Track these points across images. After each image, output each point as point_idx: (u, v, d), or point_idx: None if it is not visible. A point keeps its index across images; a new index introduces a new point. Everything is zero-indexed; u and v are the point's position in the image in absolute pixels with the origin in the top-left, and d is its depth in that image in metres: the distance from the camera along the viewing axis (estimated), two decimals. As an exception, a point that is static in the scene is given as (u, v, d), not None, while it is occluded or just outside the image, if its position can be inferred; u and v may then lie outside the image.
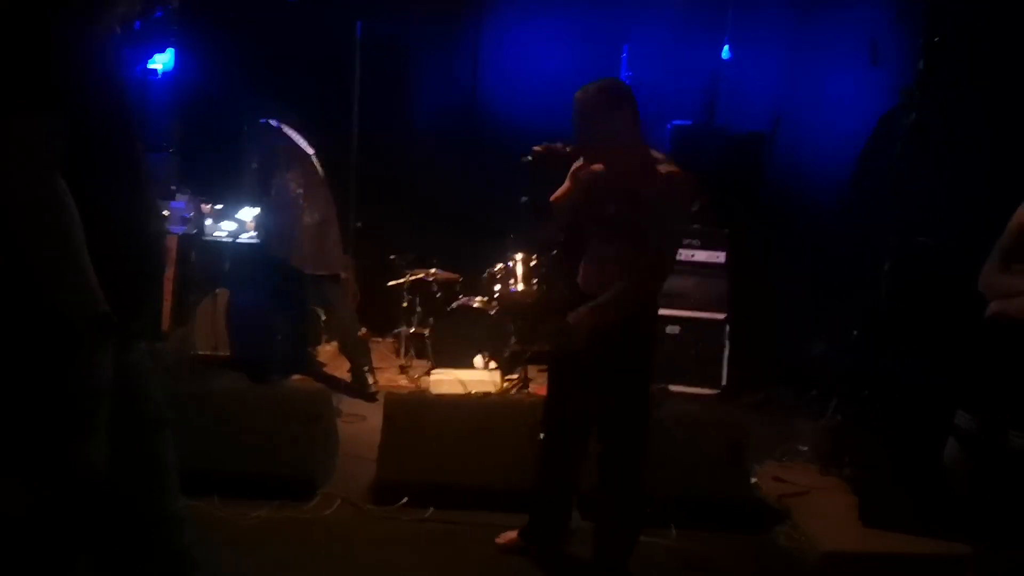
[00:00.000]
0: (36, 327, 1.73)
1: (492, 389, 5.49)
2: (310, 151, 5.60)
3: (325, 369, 6.10)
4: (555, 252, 6.57)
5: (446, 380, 5.47)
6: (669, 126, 6.80)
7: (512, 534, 3.56)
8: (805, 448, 4.87)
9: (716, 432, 4.15)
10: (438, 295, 6.45)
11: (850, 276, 5.83)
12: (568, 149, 3.30)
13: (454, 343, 5.88)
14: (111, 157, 1.86)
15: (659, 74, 7.06)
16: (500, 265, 6.16)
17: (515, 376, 5.97)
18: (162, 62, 5.67)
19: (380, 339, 7.03)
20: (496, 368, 5.72)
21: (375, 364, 5.89)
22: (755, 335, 6.35)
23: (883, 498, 3.96)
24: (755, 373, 6.25)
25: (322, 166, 5.63)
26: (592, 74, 7.55)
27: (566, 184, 3.41)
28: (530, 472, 3.60)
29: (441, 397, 5.11)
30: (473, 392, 5.32)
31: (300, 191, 5.49)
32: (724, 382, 6.22)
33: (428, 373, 5.83)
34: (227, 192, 6.01)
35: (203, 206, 5.90)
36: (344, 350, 5.93)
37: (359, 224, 6.67)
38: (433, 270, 6.52)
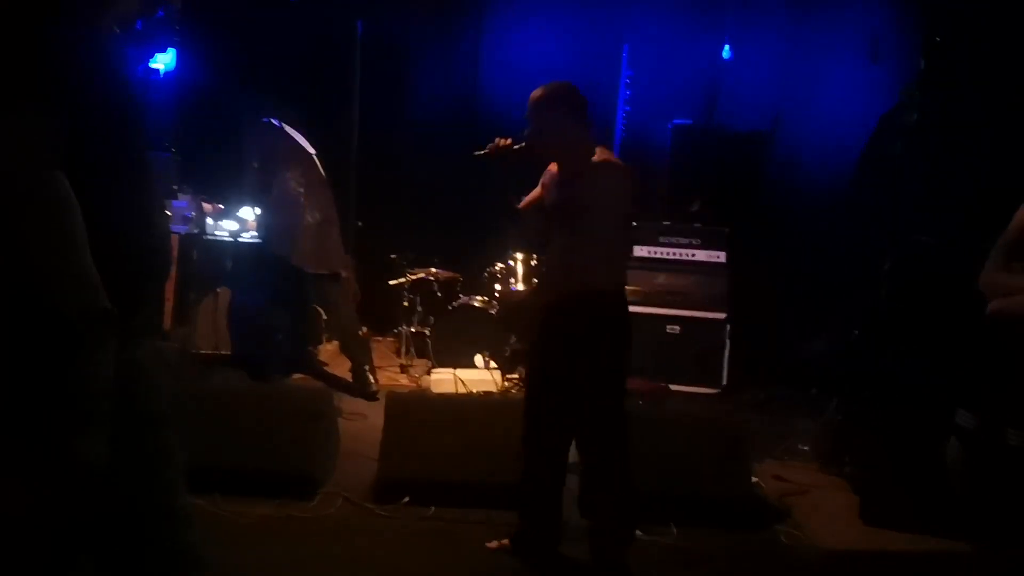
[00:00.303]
0: (36, 324, 1.73)
1: (493, 388, 5.49)
2: (311, 150, 5.61)
3: (326, 368, 6.11)
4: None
5: (447, 379, 5.48)
6: (670, 125, 6.82)
7: (504, 542, 3.56)
8: (805, 447, 4.88)
9: (717, 431, 4.15)
10: (439, 294, 6.46)
11: (850, 275, 5.84)
12: (516, 146, 3.39)
13: (455, 342, 5.89)
14: (116, 156, 1.86)
15: (659, 73, 7.07)
16: (500, 264, 6.17)
17: (515, 375, 5.98)
18: (164, 62, 5.67)
19: (381, 338, 7.04)
20: (496, 367, 5.73)
21: (376, 363, 5.90)
22: (755, 334, 6.36)
23: (883, 497, 3.97)
24: (755, 372, 6.27)
25: (323, 165, 5.64)
26: (593, 74, 7.61)
27: (536, 189, 3.48)
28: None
29: (442, 396, 5.11)
30: (474, 391, 5.32)
31: (301, 190, 5.49)
32: (725, 381, 6.23)
33: (429, 372, 5.84)
34: (228, 191, 6.01)
35: (205, 205, 5.90)
36: (345, 349, 5.94)
37: (360, 223, 6.68)
38: (434, 269, 6.53)
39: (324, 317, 6.26)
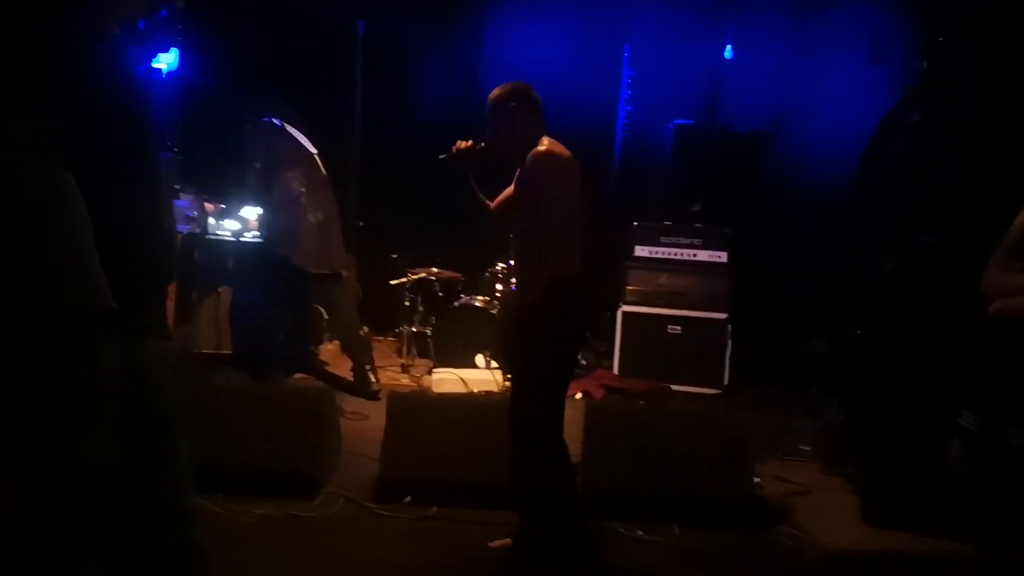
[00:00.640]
0: (37, 323, 1.73)
1: (494, 388, 5.49)
2: (312, 150, 5.61)
3: (327, 368, 6.11)
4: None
5: (448, 379, 5.48)
6: (671, 125, 6.81)
7: (506, 541, 3.56)
8: (807, 447, 4.88)
9: (718, 431, 4.15)
10: (440, 294, 6.46)
11: (852, 275, 5.84)
12: (477, 147, 3.45)
13: (456, 342, 5.90)
14: (122, 156, 1.86)
15: (661, 73, 7.07)
16: (501, 264, 6.17)
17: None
18: (166, 62, 5.66)
19: (382, 338, 7.04)
20: (498, 367, 5.73)
21: (377, 363, 5.89)
22: (757, 334, 6.36)
23: (885, 497, 3.97)
24: (757, 372, 6.27)
25: (324, 165, 5.64)
26: (594, 74, 7.61)
27: (509, 188, 3.50)
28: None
29: (443, 396, 5.11)
30: (475, 391, 5.32)
31: (303, 190, 5.49)
32: (726, 381, 6.23)
33: (430, 372, 5.84)
34: (230, 191, 6.01)
35: (207, 205, 5.90)
36: (346, 349, 5.94)
37: (361, 223, 6.68)
38: (435, 269, 6.53)
39: (325, 317, 6.25)
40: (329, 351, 6.40)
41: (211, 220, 5.96)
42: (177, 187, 5.71)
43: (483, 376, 5.59)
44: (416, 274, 6.50)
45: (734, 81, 7.10)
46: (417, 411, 4.20)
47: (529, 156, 3.22)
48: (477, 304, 6.01)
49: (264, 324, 5.69)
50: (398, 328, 6.69)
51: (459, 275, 6.59)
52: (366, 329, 6.02)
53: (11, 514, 1.78)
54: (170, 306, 5.54)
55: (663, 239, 6.50)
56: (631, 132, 7.32)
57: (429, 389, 5.58)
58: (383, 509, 3.84)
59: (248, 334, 5.77)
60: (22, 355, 1.75)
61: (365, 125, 7.21)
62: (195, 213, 5.78)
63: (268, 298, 5.71)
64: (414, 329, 6.49)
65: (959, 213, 4.99)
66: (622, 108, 7.31)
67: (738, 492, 3.94)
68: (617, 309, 6.42)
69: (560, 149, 3.26)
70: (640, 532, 3.74)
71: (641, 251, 6.50)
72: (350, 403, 5.35)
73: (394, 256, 6.62)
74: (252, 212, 5.98)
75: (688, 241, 6.47)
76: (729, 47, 7.13)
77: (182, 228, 5.63)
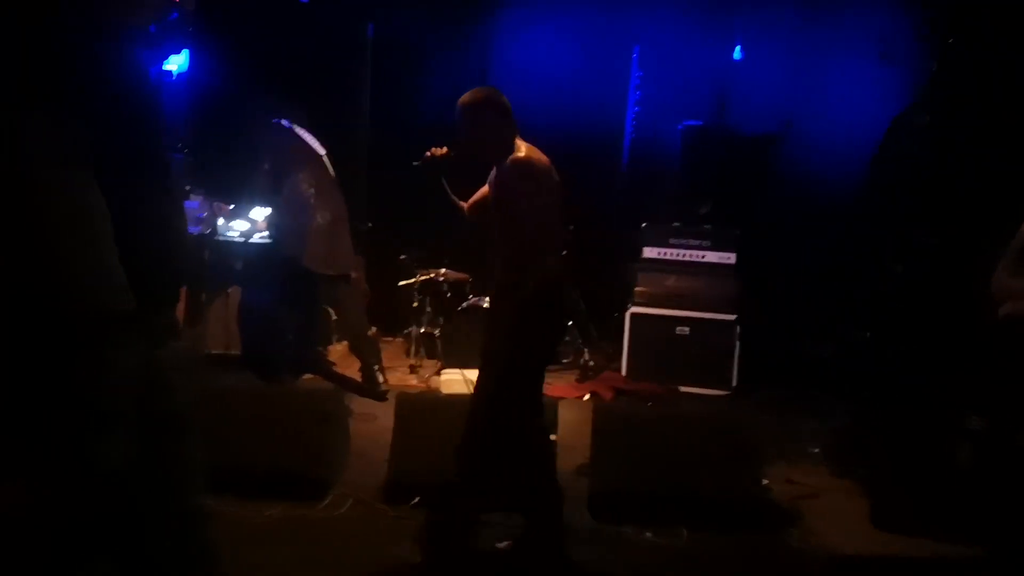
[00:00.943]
0: (60, 324, 1.74)
1: (502, 389, 5.48)
2: (321, 151, 5.62)
3: (335, 369, 6.12)
4: (564, 252, 6.58)
5: (456, 380, 5.48)
6: (680, 127, 6.81)
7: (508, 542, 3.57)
8: (816, 450, 4.87)
9: (726, 433, 4.14)
10: (448, 295, 6.46)
11: (861, 277, 5.83)
12: (451, 153, 3.51)
13: (464, 343, 5.89)
14: (138, 158, 1.87)
15: (670, 75, 7.07)
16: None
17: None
18: (177, 64, 5.68)
19: (390, 339, 7.05)
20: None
21: (385, 364, 5.90)
22: (766, 336, 6.35)
23: (894, 500, 3.96)
24: (766, 374, 6.26)
25: (333, 166, 5.65)
26: (603, 75, 7.61)
27: (482, 188, 3.56)
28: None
29: (451, 397, 5.11)
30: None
31: (311, 191, 5.50)
32: (734, 383, 6.22)
33: (438, 373, 5.85)
34: (239, 192, 6.03)
35: (216, 206, 5.92)
36: (354, 350, 5.95)
37: (370, 224, 6.69)
38: (443, 270, 6.54)
39: (334, 317, 6.27)
40: (337, 352, 6.41)
41: (220, 221, 5.98)
42: (187, 188, 5.73)
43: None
44: (424, 275, 6.51)
45: (743, 82, 7.09)
46: (426, 412, 4.20)
47: (509, 162, 3.27)
48: (485, 305, 6.01)
49: (273, 325, 5.70)
50: (406, 329, 6.70)
51: (467, 276, 6.60)
52: (374, 330, 6.03)
53: (24, 513, 1.79)
54: (180, 307, 5.56)
55: (671, 240, 6.50)
56: (640, 133, 7.32)
57: (437, 390, 5.59)
58: (392, 510, 3.85)
59: (257, 335, 5.78)
60: (41, 355, 1.76)
61: (374, 126, 7.23)
62: (205, 214, 5.80)
63: (277, 299, 5.72)
64: (422, 330, 6.50)
65: (967, 216, 4.98)
66: (631, 109, 7.32)
67: (746, 494, 3.94)
68: (625, 310, 6.41)
69: (538, 155, 3.32)
70: (648, 534, 3.74)
71: (649, 252, 6.50)
72: (359, 404, 5.36)
73: (402, 257, 6.63)
74: (261, 213, 5.99)
75: (697, 242, 6.47)
76: (738, 48, 7.12)
77: (192, 229, 5.65)
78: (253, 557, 3.31)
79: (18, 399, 1.77)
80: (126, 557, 1.93)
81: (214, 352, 5.89)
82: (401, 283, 6.56)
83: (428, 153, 3.53)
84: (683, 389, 6.12)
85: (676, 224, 6.56)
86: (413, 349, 6.54)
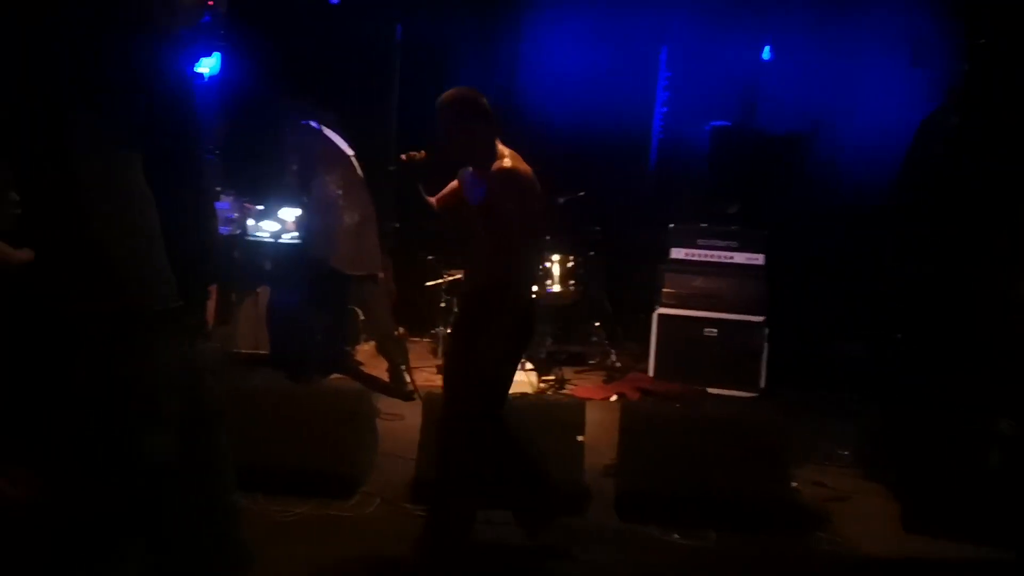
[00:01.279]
0: (114, 321, 1.77)
1: (529, 389, 5.50)
2: (350, 152, 5.65)
3: (363, 368, 6.15)
4: (591, 254, 6.58)
5: (483, 380, 5.47)
6: (708, 127, 6.79)
7: None
8: (846, 452, 4.83)
9: (754, 434, 4.12)
10: (475, 296, 6.46)
11: (891, 278, 5.77)
12: (429, 157, 3.54)
13: (491, 344, 5.89)
14: (175, 158, 1.90)
15: (698, 75, 7.04)
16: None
17: (551, 377, 5.98)
18: (209, 66, 5.73)
19: (418, 339, 7.07)
20: (532, 369, 5.73)
21: (412, 364, 5.92)
22: (795, 337, 6.30)
23: (925, 503, 3.92)
24: (795, 375, 6.21)
25: (361, 167, 5.68)
26: (631, 76, 7.57)
27: (451, 184, 3.62)
28: (566, 471, 3.66)
29: (479, 397, 5.11)
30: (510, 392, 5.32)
31: (339, 192, 5.54)
32: (762, 384, 6.18)
33: (465, 373, 5.84)
34: (269, 192, 6.08)
35: (246, 206, 5.97)
36: (382, 350, 5.97)
37: (397, 224, 6.71)
38: (471, 271, 6.54)
39: (361, 317, 6.30)
40: (365, 352, 6.44)
41: (250, 221, 6.03)
42: (218, 189, 5.79)
43: (518, 377, 5.56)
44: (451, 275, 6.52)
45: (771, 82, 7.04)
46: (453, 412, 4.21)
47: (495, 172, 3.29)
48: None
49: (301, 325, 5.74)
50: (434, 329, 6.72)
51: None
52: (402, 330, 6.05)
53: (65, 504, 1.81)
54: (210, 306, 5.61)
55: (699, 241, 6.47)
56: (667, 134, 7.29)
57: (464, 390, 5.59)
58: (418, 509, 3.86)
59: (286, 335, 5.82)
60: (94, 351, 1.78)
61: (401, 127, 7.25)
62: (235, 215, 5.85)
63: (305, 299, 5.76)
64: (449, 330, 6.51)
65: (997, 218, 4.91)
66: (658, 110, 7.29)
67: (775, 496, 3.92)
68: (653, 311, 6.40)
69: (522, 164, 3.35)
70: (676, 536, 3.73)
71: (677, 253, 6.48)
72: (386, 404, 5.39)
73: (430, 258, 6.65)
74: (290, 213, 6.04)
75: (724, 243, 6.43)
76: (767, 48, 7.08)
77: (223, 230, 5.70)
78: (281, 554, 3.34)
79: (70, 393, 1.79)
80: (162, 549, 1.96)
81: (243, 351, 5.94)
82: (428, 283, 6.58)
83: (404, 156, 3.54)
84: (710, 390, 6.09)
85: (704, 225, 6.53)
86: (440, 349, 6.56)
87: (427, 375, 6.28)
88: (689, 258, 6.46)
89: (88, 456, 1.79)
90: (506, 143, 3.47)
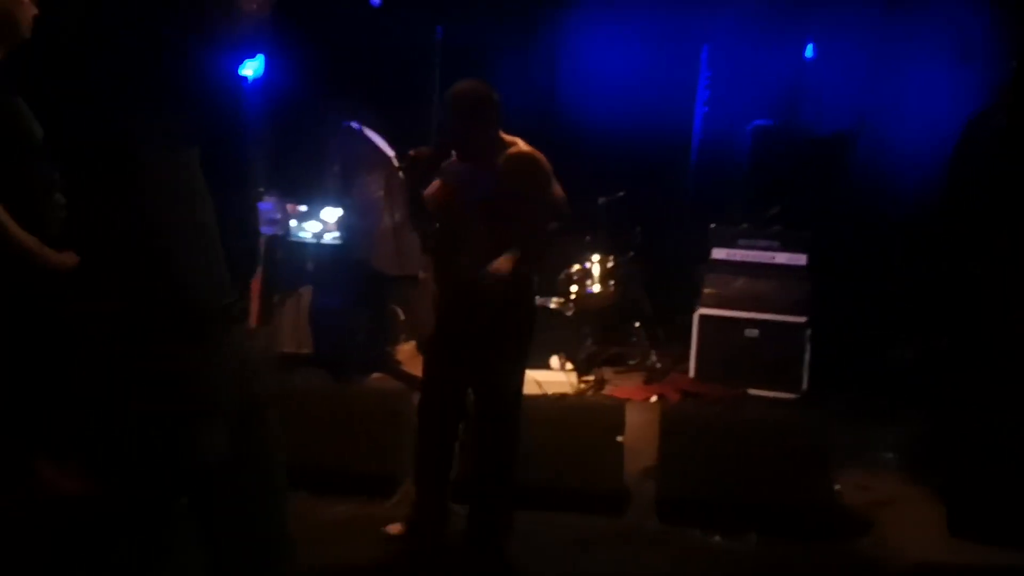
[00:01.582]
0: (175, 319, 1.80)
1: (568, 390, 5.50)
2: (391, 153, 5.69)
3: (403, 368, 6.19)
4: (631, 254, 6.56)
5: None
6: (749, 127, 6.74)
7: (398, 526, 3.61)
8: (891, 455, 4.76)
9: (796, 437, 4.09)
10: (515, 296, 6.47)
11: (936, 280, 5.68)
12: (437, 153, 3.50)
13: (531, 343, 5.90)
14: (225, 161, 1.93)
15: (740, 74, 6.99)
16: (577, 266, 6.17)
17: (591, 377, 5.97)
18: (253, 68, 5.81)
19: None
20: (572, 369, 5.73)
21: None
22: (838, 339, 6.23)
23: (972, 508, 3.85)
24: (838, 378, 6.14)
25: (402, 168, 5.72)
26: (671, 75, 7.54)
27: (435, 183, 3.54)
28: (605, 471, 3.65)
29: (518, 397, 5.13)
30: (549, 393, 5.33)
31: (381, 193, 5.59)
32: (804, 386, 6.12)
33: (505, 373, 5.86)
34: (311, 193, 6.14)
35: (289, 207, 6.04)
36: (422, 349, 6.00)
37: (437, 225, 6.74)
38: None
39: (402, 317, 6.34)
40: (406, 352, 6.47)
41: (293, 222, 6.10)
42: (261, 190, 5.86)
43: (557, 378, 5.59)
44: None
45: (815, 81, 6.97)
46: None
47: (521, 155, 3.28)
48: (552, 306, 6.02)
49: (343, 325, 5.79)
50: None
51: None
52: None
53: (122, 499, 1.84)
54: (254, 306, 5.69)
55: (741, 242, 6.41)
56: (708, 133, 7.25)
57: (504, 390, 5.60)
58: (459, 508, 3.88)
59: (328, 334, 5.88)
60: (154, 344, 1.80)
61: (442, 128, 7.28)
62: (279, 215, 5.92)
63: (347, 299, 5.81)
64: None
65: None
66: (699, 109, 7.25)
67: (818, 501, 3.88)
68: (694, 312, 6.36)
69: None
70: (717, 539, 3.70)
71: (718, 253, 6.43)
72: (426, 403, 5.40)
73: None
74: (332, 214, 6.09)
75: (766, 244, 6.37)
76: (810, 46, 7.00)
77: (267, 230, 5.77)
78: (323, 552, 3.37)
79: (131, 388, 1.81)
80: (210, 544, 1.99)
81: (286, 351, 6.00)
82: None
83: (412, 153, 3.49)
84: (751, 392, 6.04)
85: (745, 225, 6.48)
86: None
87: (467, 375, 6.29)
88: (730, 258, 6.41)
89: (147, 454, 1.82)
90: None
